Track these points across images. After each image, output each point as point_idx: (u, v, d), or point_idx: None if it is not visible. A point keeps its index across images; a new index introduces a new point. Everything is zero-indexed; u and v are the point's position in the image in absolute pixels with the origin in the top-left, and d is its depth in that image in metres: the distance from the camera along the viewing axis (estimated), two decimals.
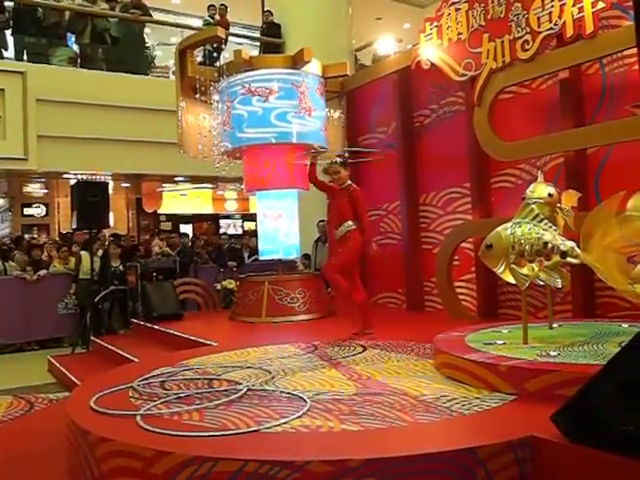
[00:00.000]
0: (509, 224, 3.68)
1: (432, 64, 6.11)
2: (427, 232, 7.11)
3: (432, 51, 6.09)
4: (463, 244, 6.29)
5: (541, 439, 2.38)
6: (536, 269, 3.55)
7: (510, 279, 3.65)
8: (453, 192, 6.74)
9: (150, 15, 11.36)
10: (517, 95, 5.96)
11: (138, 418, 2.84)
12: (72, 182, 11.44)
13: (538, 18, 5.14)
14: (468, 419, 2.71)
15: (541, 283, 3.67)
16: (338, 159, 5.29)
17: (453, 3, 5.91)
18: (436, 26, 6.08)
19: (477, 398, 2.99)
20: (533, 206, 3.68)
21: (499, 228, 3.71)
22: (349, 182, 5.22)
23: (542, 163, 5.70)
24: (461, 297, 6.42)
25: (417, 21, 7.50)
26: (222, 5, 11.63)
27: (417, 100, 7.19)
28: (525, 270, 3.57)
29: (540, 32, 5.13)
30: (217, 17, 11.48)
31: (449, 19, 5.95)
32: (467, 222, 6.36)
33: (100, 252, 9.05)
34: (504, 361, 3.12)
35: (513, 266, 3.58)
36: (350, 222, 5.10)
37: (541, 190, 3.81)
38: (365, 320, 5.19)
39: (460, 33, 5.84)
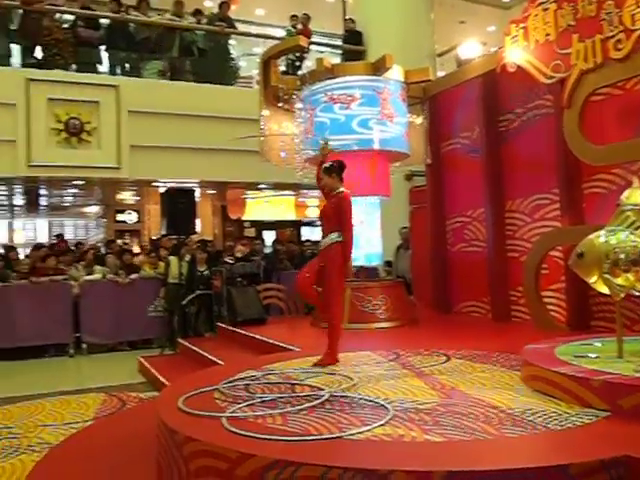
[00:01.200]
0: (602, 232, 3.53)
1: (518, 67, 5.95)
2: (513, 239, 6.90)
3: (518, 53, 5.93)
4: (552, 252, 6.06)
5: (637, 459, 2.26)
6: (632, 279, 3.39)
7: (603, 289, 3.50)
8: (541, 198, 6.52)
9: (235, 27, 11.68)
10: (610, 96, 5.69)
11: (224, 420, 2.91)
12: (161, 190, 11.94)
13: (632, 15, 4.90)
14: (557, 435, 2.61)
15: (637, 294, 3.50)
16: (326, 164, 4.60)
17: (540, 3, 5.73)
18: (522, 27, 5.91)
19: (567, 413, 2.87)
20: (629, 213, 3.53)
21: (592, 236, 3.56)
22: (341, 189, 4.51)
23: (638, 168, 5.42)
24: (549, 307, 6.18)
25: (502, 23, 7.33)
26: (304, 14, 11.78)
27: (502, 104, 7.02)
28: (620, 280, 3.41)
29: (635, 30, 4.89)
30: (299, 26, 11.64)
31: (536, 20, 5.76)
32: (557, 229, 6.12)
33: (188, 257, 9.35)
34: (597, 375, 2.99)
35: (607, 276, 3.42)
36: (336, 234, 4.43)
37: (637, 196, 3.64)
38: (331, 348, 4.40)
39: (548, 34, 5.65)
